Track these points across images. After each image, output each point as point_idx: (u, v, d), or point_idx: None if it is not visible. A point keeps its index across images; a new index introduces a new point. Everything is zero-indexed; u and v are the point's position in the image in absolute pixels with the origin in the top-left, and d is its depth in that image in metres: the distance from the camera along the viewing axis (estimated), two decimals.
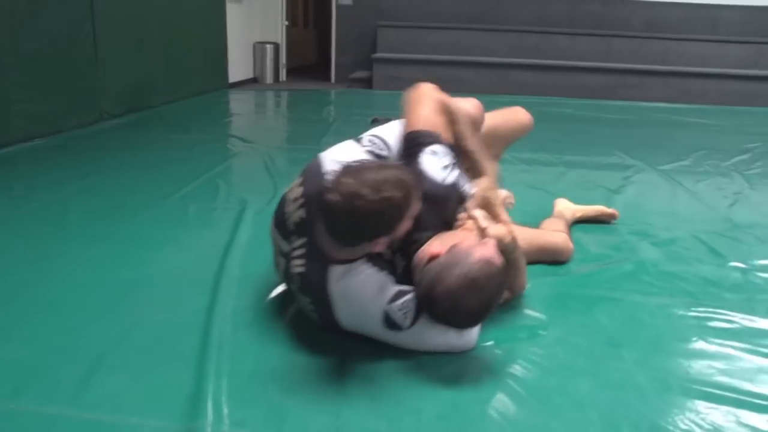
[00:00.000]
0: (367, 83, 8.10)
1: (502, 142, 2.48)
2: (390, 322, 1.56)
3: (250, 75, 8.46)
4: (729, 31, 8.34)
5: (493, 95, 7.17)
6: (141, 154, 3.96)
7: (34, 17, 4.34)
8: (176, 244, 2.36)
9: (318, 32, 12.08)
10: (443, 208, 1.70)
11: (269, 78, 8.63)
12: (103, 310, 1.84)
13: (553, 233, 2.36)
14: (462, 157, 1.81)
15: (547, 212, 2.69)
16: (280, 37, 9.02)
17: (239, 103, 6.80)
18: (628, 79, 7.73)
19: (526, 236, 2.24)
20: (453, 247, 1.53)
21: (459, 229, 1.72)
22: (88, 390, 1.45)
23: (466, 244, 1.53)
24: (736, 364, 1.67)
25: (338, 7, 8.90)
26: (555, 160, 4.09)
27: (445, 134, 1.79)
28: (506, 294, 1.77)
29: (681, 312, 1.96)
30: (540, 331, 1.82)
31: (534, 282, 2.09)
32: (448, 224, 1.71)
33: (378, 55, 8.15)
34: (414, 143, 1.73)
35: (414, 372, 1.57)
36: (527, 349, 1.70)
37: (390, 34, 8.43)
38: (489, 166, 1.86)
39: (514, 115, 2.52)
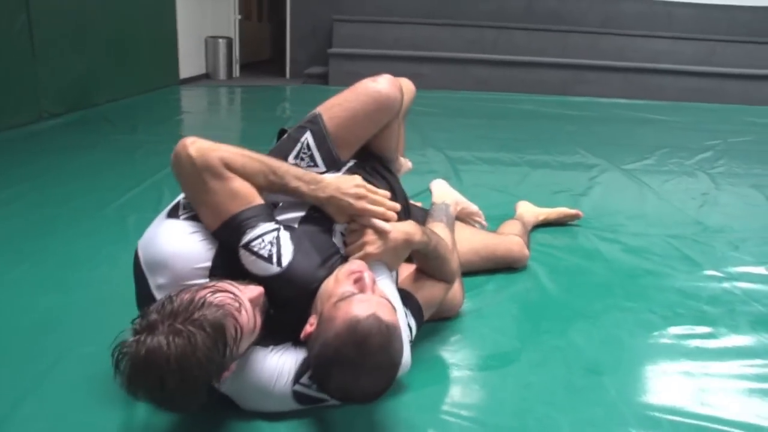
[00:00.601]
0: (323, 79, 7.88)
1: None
2: (306, 399, 1.33)
3: (203, 71, 8.15)
4: (683, 27, 8.37)
5: (451, 91, 7.05)
6: (81, 156, 3.68)
7: None
8: (111, 262, 2.13)
9: (272, 26, 11.78)
10: (290, 289, 1.34)
11: (222, 74, 8.33)
12: (20, 344, 1.62)
13: (506, 238, 2.23)
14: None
15: (511, 216, 2.56)
16: (233, 31, 8.73)
17: (190, 101, 6.52)
18: (586, 75, 7.68)
19: (476, 242, 2.12)
20: (320, 314, 1.28)
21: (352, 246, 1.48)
22: None
23: (328, 304, 1.24)
24: (726, 391, 1.54)
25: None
26: (518, 160, 3.96)
27: (257, 193, 1.40)
28: (439, 290, 1.62)
29: (661, 330, 1.83)
30: (513, 358, 1.66)
31: (502, 296, 1.96)
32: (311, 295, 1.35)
33: (334, 50, 7.94)
34: (228, 239, 1.36)
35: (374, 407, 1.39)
36: (501, 381, 1.54)
37: (346, 29, 8.22)
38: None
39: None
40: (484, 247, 2.14)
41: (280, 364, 1.32)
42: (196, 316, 1.11)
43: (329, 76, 7.79)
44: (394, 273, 1.62)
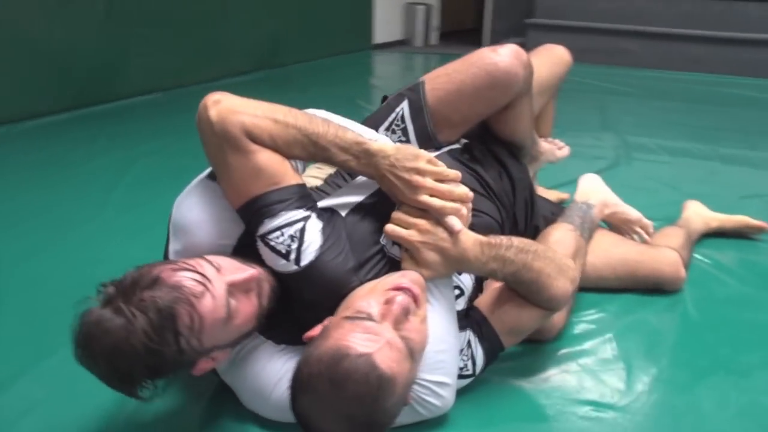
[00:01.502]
0: None
1: (546, 92, 1.83)
2: None
3: (399, 37, 8.10)
4: None
5: (657, 70, 6.28)
6: None
7: None
8: None
9: None
10: (312, 291, 1.16)
11: (419, 41, 8.23)
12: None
13: (657, 252, 1.79)
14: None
15: (676, 219, 2.13)
16: None
17: (380, 66, 6.48)
18: None
19: (614, 256, 1.72)
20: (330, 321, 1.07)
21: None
22: None
23: (340, 315, 1.06)
24: None
25: None
26: (709, 153, 3.35)
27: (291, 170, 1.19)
28: (531, 316, 1.29)
29: None
30: (604, 412, 1.32)
31: (622, 322, 1.62)
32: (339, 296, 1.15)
33: (532, 20, 7.45)
34: (248, 224, 1.18)
35: None
36: None
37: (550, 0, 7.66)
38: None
39: (550, 54, 1.88)
40: (622, 263, 1.74)
41: (285, 368, 1.16)
42: (145, 296, 0.96)
43: (526, 48, 7.32)
44: (469, 285, 1.34)
